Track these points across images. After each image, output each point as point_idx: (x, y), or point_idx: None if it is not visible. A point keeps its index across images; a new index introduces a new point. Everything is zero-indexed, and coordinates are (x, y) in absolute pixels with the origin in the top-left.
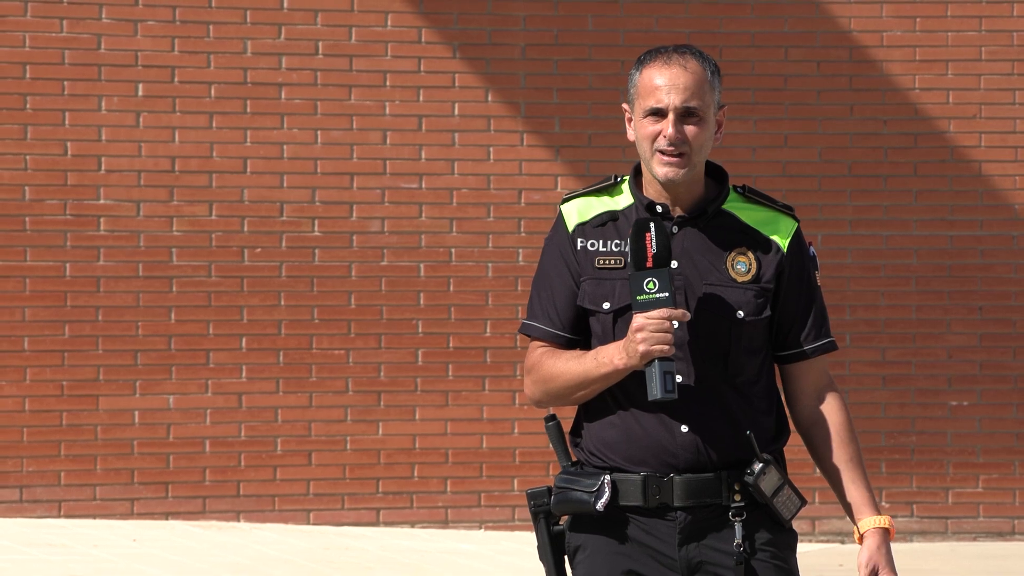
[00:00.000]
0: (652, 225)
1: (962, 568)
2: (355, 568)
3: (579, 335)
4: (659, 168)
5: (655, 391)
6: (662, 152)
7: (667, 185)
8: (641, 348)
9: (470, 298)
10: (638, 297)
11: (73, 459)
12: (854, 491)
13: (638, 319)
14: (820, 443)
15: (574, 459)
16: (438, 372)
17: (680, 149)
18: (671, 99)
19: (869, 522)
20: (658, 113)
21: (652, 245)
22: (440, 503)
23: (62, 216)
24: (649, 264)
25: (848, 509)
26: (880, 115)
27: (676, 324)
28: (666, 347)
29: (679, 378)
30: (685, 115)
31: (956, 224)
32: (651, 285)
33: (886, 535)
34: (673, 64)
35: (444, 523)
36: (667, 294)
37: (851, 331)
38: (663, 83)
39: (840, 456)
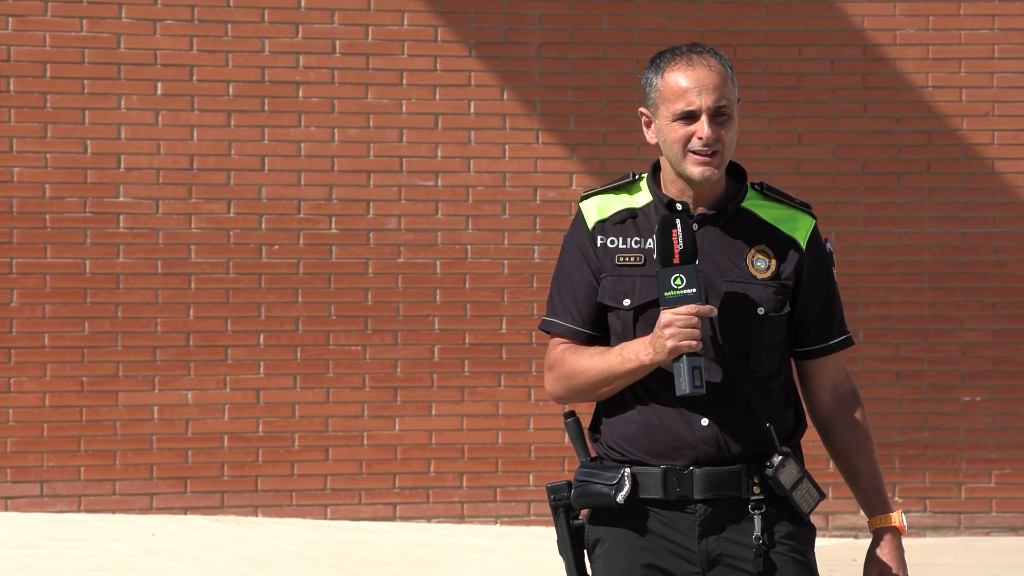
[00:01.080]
0: (678, 221)
1: (975, 563)
2: (372, 563)
3: (600, 331)
4: (694, 168)
5: (684, 387)
6: (696, 153)
7: (698, 184)
8: (669, 344)
9: (486, 295)
10: (666, 293)
11: (93, 454)
12: (866, 488)
13: (666, 315)
14: (836, 438)
15: (593, 455)
16: (454, 368)
17: (714, 148)
18: (703, 100)
19: (877, 521)
20: (690, 116)
21: (679, 241)
22: (456, 498)
23: (82, 214)
24: (676, 260)
25: (862, 505)
26: (893, 113)
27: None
28: (694, 343)
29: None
30: (716, 114)
31: (969, 221)
32: (678, 281)
33: (894, 534)
34: (697, 65)
35: (460, 518)
36: (694, 290)
37: (865, 327)
38: (691, 85)
39: (855, 452)
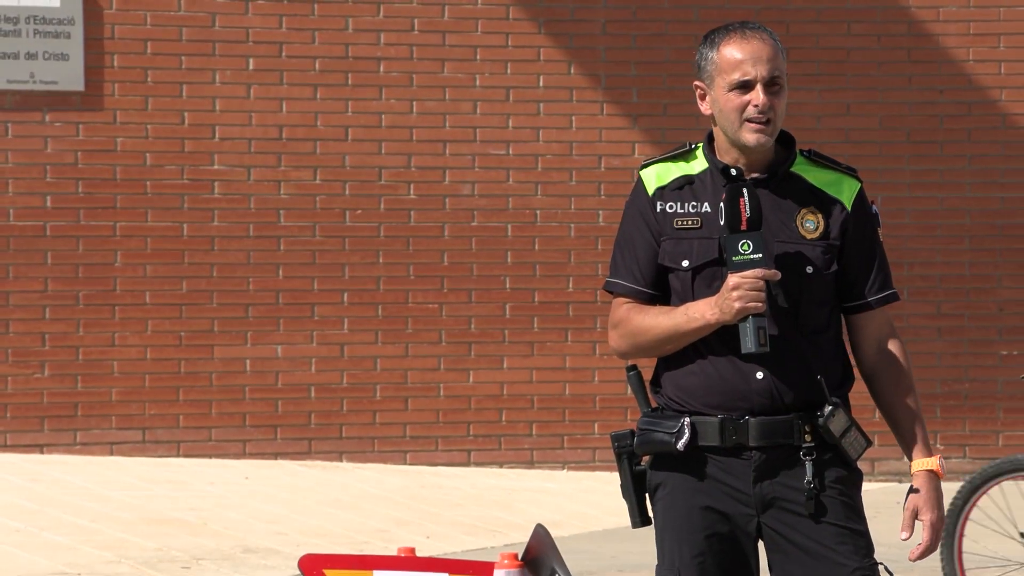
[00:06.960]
0: (745, 190)
1: (1013, 505)
2: (448, 505)
3: (659, 291)
4: (750, 135)
5: (749, 345)
6: (751, 120)
7: (752, 150)
8: (737, 305)
9: (554, 256)
10: (733, 258)
11: (191, 404)
12: (907, 434)
13: (733, 278)
14: (881, 388)
15: (654, 405)
16: (524, 324)
17: (768, 116)
18: (758, 71)
19: (917, 464)
20: (745, 85)
21: (746, 209)
22: (526, 445)
23: (180, 181)
24: (743, 227)
25: (904, 449)
26: (936, 85)
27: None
28: (760, 304)
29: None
30: (769, 84)
31: (1007, 186)
32: (746, 247)
33: (932, 476)
34: (751, 38)
35: (530, 464)
36: (761, 255)
37: (908, 286)
38: (746, 56)
39: (897, 401)
